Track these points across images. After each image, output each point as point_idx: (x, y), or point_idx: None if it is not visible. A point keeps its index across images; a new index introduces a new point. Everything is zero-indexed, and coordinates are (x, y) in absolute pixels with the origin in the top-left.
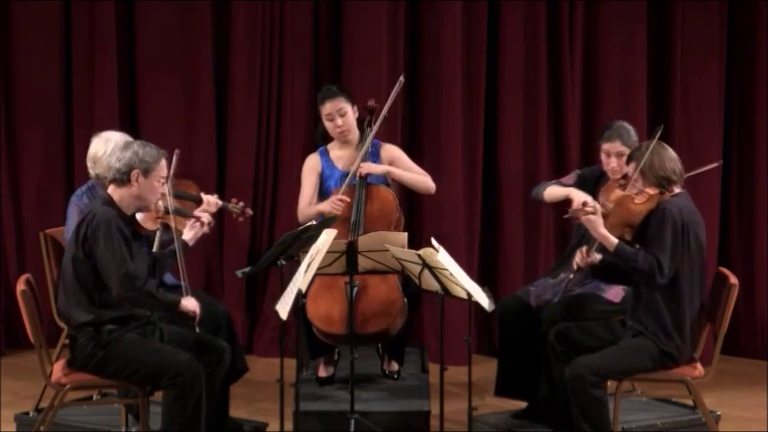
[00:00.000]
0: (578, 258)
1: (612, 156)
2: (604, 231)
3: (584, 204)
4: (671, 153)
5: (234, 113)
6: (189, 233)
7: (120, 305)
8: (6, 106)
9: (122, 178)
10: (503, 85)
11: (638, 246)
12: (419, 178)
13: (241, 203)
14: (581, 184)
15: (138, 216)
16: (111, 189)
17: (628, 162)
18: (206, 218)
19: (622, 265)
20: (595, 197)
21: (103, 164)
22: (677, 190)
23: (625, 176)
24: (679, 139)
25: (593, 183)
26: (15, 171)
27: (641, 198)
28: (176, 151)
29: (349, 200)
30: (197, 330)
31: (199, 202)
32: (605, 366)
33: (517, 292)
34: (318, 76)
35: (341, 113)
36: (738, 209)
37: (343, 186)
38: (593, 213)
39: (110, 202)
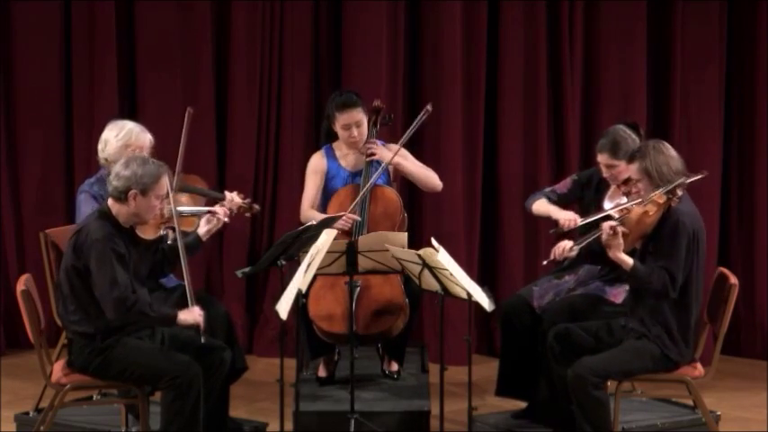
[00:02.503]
0: (558, 252)
1: (603, 167)
2: (623, 256)
3: (614, 231)
4: (672, 152)
5: (234, 113)
6: (204, 227)
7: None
8: (6, 106)
9: (120, 196)
10: (503, 84)
11: (641, 249)
12: (427, 173)
13: (248, 199)
14: (579, 190)
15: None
16: (110, 202)
17: (630, 162)
18: (222, 212)
19: (634, 284)
20: (600, 202)
21: (112, 147)
22: (681, 192)
23: (626, 182)
24: (679, 139)
25: (595, 187)
26: (15, 171)
27: (652, 209)
28: (189, 109)
29: (359, 218)
30: (202, 341)
31: (205, 195)
32: (607, 368)
33: (519, 291)
34: (318, 76)
35: (358, 125)
36: (738, 209)
37: (349, 186)
38: (616, 237)
39: (107, 215)
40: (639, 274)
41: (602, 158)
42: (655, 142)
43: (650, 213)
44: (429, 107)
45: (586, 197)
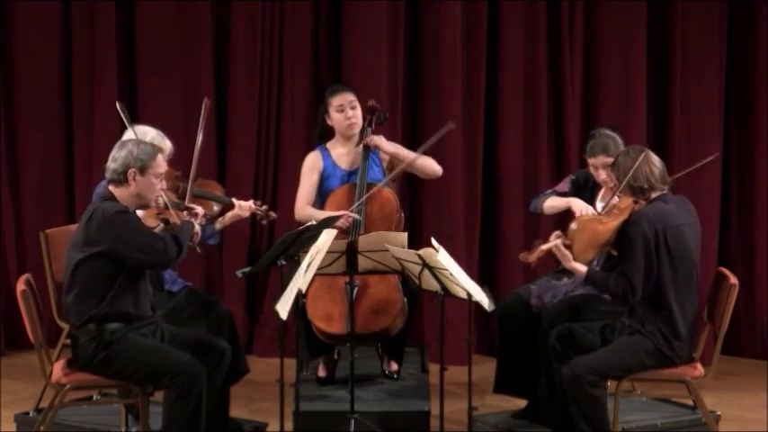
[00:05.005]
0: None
1: (600, 169)
2: (573, 264)
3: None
4: (651, 158)
5: (234, 113)
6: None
7: (126, 301)
8: (6, 106)
9: (119, 178)
10: (503, 85)
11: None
12: (426, 160)
13: (264, 206)
14: (576, 190)
15: (139, 213)
16: (111, 188)
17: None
18: (199, 210)
19: (596, 290)
20: (593, 204)
21: None
22: (655, 195)
23: None
24: (679, 139)
25: (590, 189)
26: (15, 171)
27: (610, 216)
28: (205, 100)
29: (359, 217)
30: (198, 251)
31: (222, 203)
32: (603, 365)
33: (518, 289)
34: (318, 76)
35: (352, 106)
36: (738, 209)
37: (345, 186)
38: (559, 251)
39: (111, 197)
40: (595, 280)
41: (596, 160)
42: (626, 149)
43: (604, 221)
44: (452, 124)
45: (582, 198)
